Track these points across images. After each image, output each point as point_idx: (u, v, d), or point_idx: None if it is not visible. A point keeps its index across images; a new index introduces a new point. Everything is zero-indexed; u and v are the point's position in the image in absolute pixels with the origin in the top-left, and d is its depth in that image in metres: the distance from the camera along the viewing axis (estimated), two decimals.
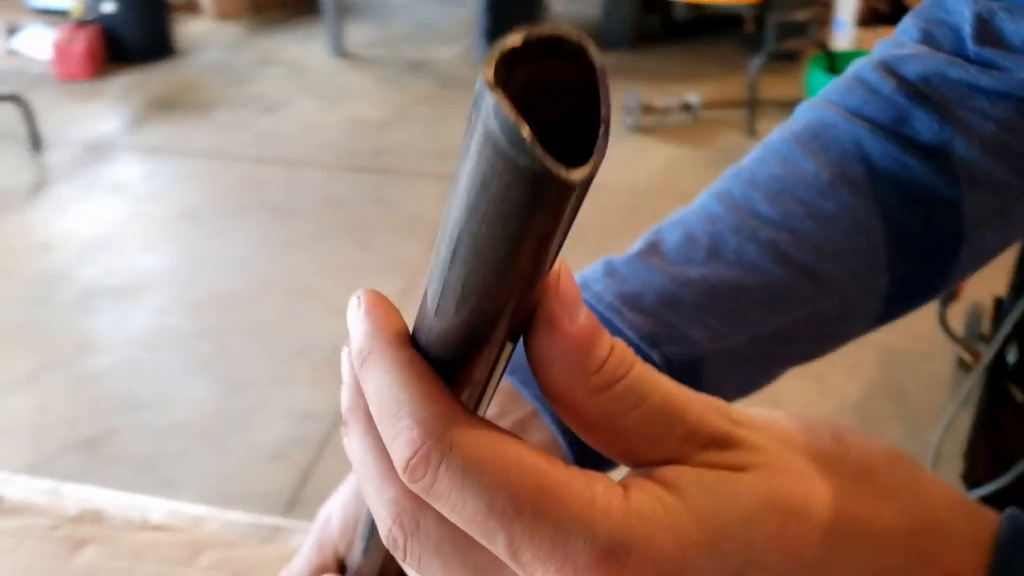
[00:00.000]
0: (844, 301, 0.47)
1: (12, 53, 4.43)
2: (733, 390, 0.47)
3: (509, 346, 0.25)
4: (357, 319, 0.26)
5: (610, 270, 0.46)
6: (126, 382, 2.42)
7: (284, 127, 3.79)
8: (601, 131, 0.19)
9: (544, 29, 0.19)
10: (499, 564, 0.24)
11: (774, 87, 3.88)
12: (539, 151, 0.18)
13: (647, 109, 3.64)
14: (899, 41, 0.50)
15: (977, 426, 1.93)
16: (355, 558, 0.38)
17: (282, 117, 3.87)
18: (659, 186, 3.33)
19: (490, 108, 0.18)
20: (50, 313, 2.69)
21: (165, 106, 3.99)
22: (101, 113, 3.94)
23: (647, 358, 0.44)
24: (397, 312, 0.27)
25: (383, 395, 0.24)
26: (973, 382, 1.79)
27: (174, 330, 2.61)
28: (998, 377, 1.86)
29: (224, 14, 4.90)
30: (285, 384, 2.41)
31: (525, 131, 0.18)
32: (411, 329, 0.26)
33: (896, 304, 0.49)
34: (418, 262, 2.87)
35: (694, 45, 4.46)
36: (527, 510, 0.22)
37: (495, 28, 4.19)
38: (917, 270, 0.48)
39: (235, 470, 2.15)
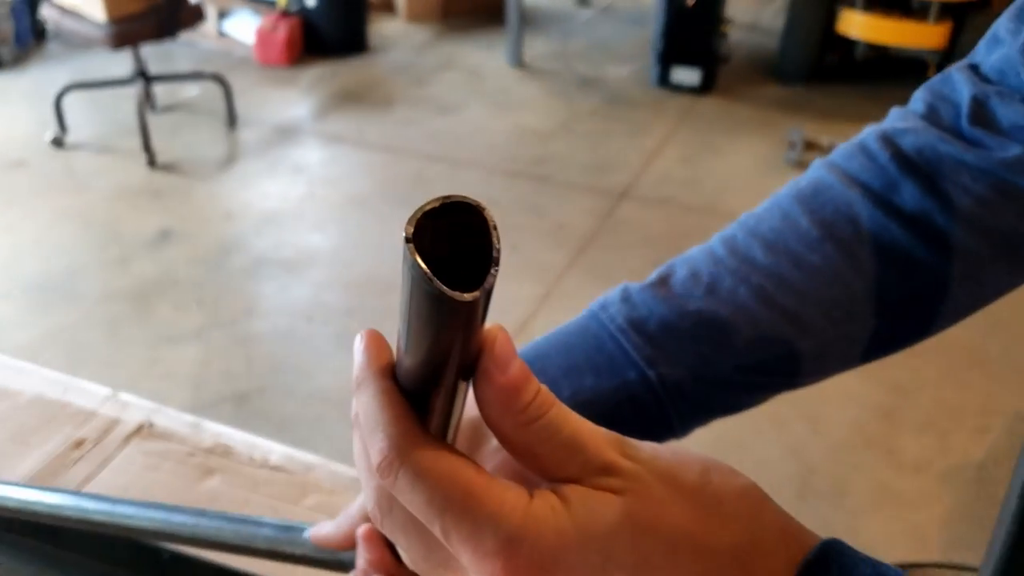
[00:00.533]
0: (821, 344, 0.53)
1: (222, 35, 4.85)
2: (719, 409, 0.55)
3: (463, 385, 0.33)
4: (357, 351, 0.34)
5: (625, 296, 0.55)
6: (280, 347, 2.65)
7: (455, 129, 3.99)
8: (491, 269, 0.28)
9: (455, 197, 0.28)
10: (441, 544, 0.32)
11: None
12: (436, 284, 0.26)
13: (810, 146, 3.61)
14: (906, 113, 0.56)
15: None
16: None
17: (454, 119, 4.08)
18: None
19: (407, 254, 0.27)
20: (224, 276, 2.97)
21: (350, 98, 4.28)
22: (293, 99, 4.27)
23: (644, 375, 0.52)
24: (388, 349, 0.34)
25: (367, 413, 0.33)
26: None
27: (329, 305, 2.83)
28: None
29: (415, 17, 5.18)
30: None
31: (427, 271, 0.26)
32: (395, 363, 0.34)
33: (872, 351, 0.55)
34: (560, 269, 2.98)
35: (872, 87, 4.37)
36: (455, 507, 0.30)
37: (669, 52, 4.25)
38: (891, 323, 0.54)
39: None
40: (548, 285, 2.91)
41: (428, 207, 0.28)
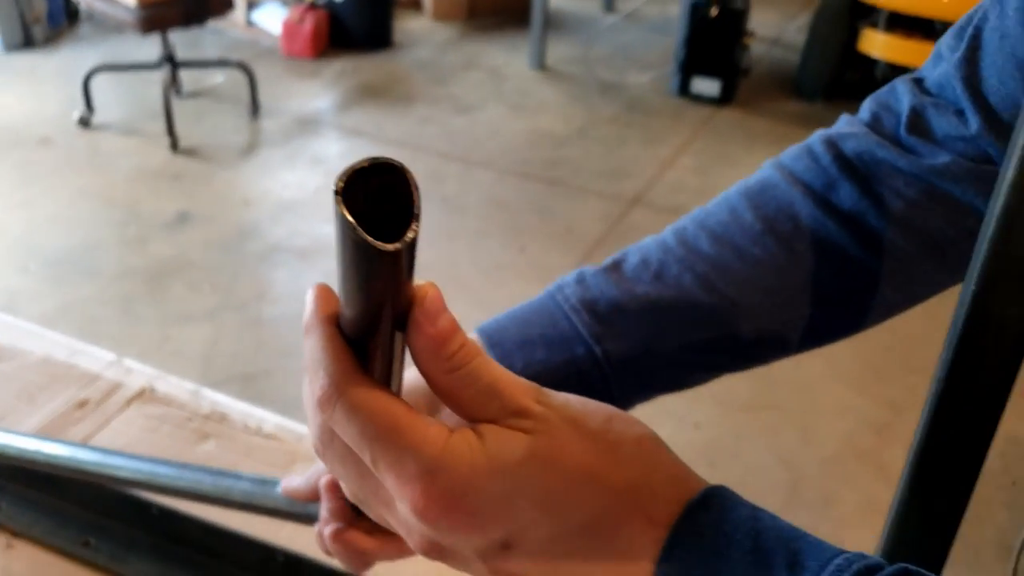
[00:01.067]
0: (758, 329, 0.57)
1: (250, 25, 4.93)
2: (661, 386, 0.59)
3: (399, 336, 0.37)
4: (307, 302, 0.38)
5: (580, 278, 0.60)
6: (288, 332, 2.71)
7: (472, 128, 4.04)
8: (412, 224, 0.31)
9: (381, 158, 0.31)
10: (371, 473, 0.36)
11: None
12: (360, 233, 0.29)
13: None
14: (853, 120, 0.60)
15: None
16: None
17: (472, 119, 4.13)
18: None
19: (336, 207, 0.30)
20: (238, 261, 3.03)
21: (372, 93, 4.34)
22: (316, 91, 4.34)
23: (591, 351, 0.57)
24: (335, 301, 0.37)
25: (312, 355, 0.37)
26: None
27: None
28: None
29: (441, 15, 5.23)
30: None
31: (352, 222, 0.29)
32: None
33: (807, 339, 0.59)
34: (567, 271, 3.01)
35: None
36: (383, 437, 0.35)
37: (690, 62, 4.28)
38: (825, 314, 0.58)
39: None
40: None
41: (357, 166, 0.31)
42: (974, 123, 0.53)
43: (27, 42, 4.62)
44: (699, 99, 4.33)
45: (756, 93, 4.52)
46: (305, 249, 3.11)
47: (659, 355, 0.57)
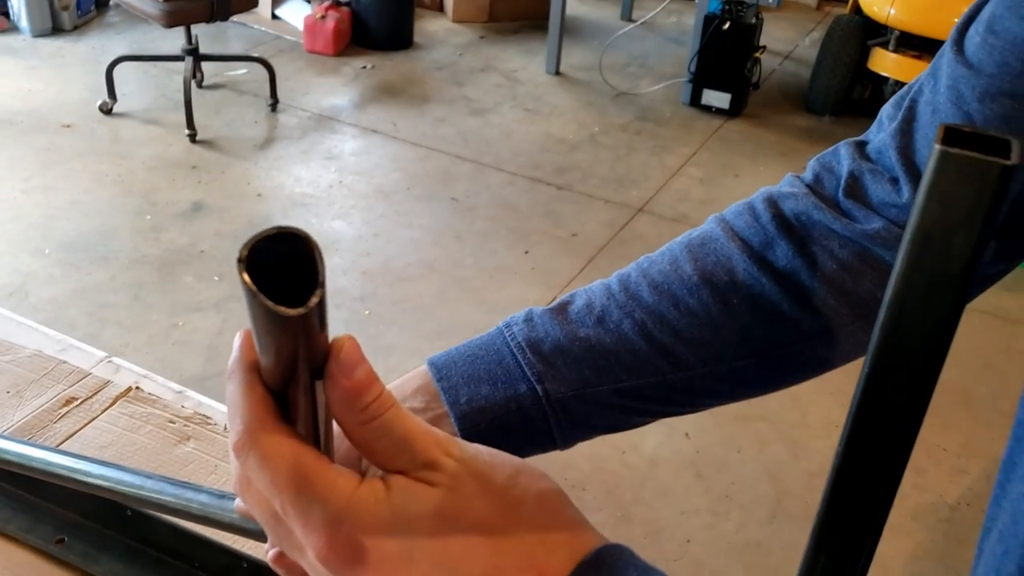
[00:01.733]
0: (689, 378, 0.59)
1: (275, 19, 5.00)
2: (601, 427, 0.61)
3: (318, 384, 0.37)
4: (233, 347, 0.38)
5: (528, 317, 0.61)
6: None
7: (485, 131, 4.10)
8: (316, 290, 0.32)
9: (287, 228, 0.32)
10: (283, 519, 0.37)
11: None
12: (261, 299, 0.30)
13: None
14: (795, 179, 0.63)
15: None
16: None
17: (487, 121, 4.19)
18: None
19: (240, 273, 0.31)
20: None
21: (389, 92, 4.41)
22: (334, 88, 4.41)
23: (533, 390, 0.58)
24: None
25: (231, 401, 0.37)
26: None
27: (343, 290, 2.96)
28: None
29: (462, 18, 5.30)
30: (422, 357, 2.66)
31: (252, 288, 0.30)
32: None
33: (738, 390, 0.61)
34: (569, 275, 3.09)
35: None
36: (290, 487, 0.36)
37: (702, 73, 4.33)
38: (755, 367, 0.60)
39: None
40: (557, 290, 3.01)
41: (263, 235, 0.32)
42: (906, 192, 0.55)
43: (55, 28, 4.72)
44: (709, 110, 4.38)
45: (765, 106, 4.55)
46: None
47: (596, 397, 0.60)
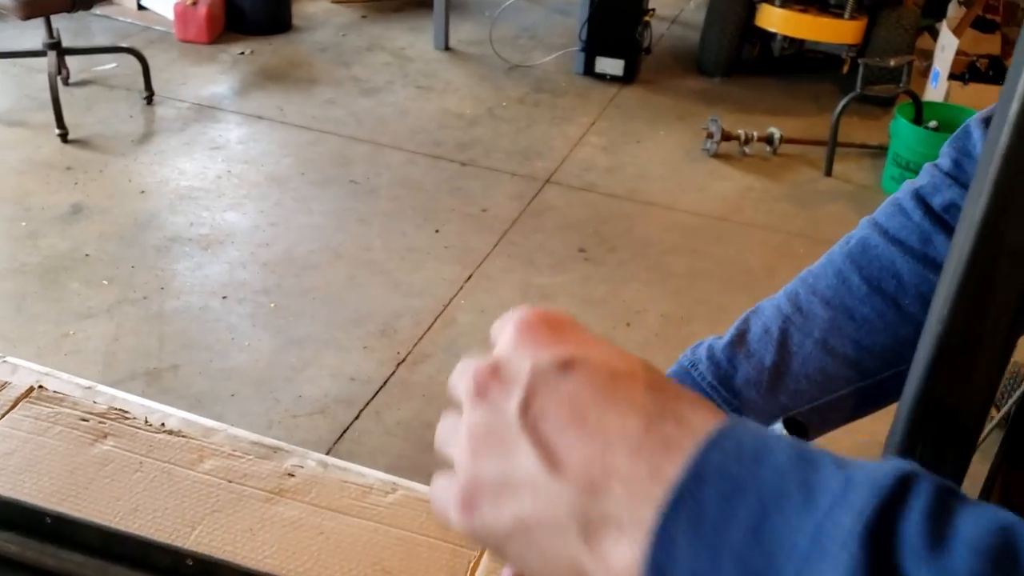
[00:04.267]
0: (879, 383, 0.62)
1: (141, 9, 4.73)
2: None
3: None
4: None
5: (711, 355, 0.64)
6: (194, 325, 2.61)
7: (379, 110, 3.96)
8: None
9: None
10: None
11: (860, 131, 3.89)
12: None
13: (728, 136, 3.69)
14: (935, 169, 0.64)
15: (988, 486, 1.95)
16: None
17: (379, 100, 4.05)
18: (725, 211, 3.38)
19: None
20: (137, 253, 2.90)
21: (272, 78, 4.21)
22: (213, 76, 4.19)
23: None
24: None
25: None
26: (987, 439, 1.82)
27: (245, 284, 2.79)
28: (1014, 437, 1.88)
29: None
30: (338, 347, 2.56)
31: None
32: None
33: None
34: (484, 251, 3.00)
35: (788, 80, 4.48)
36: None
37: (593, 42, 4.29)
38: None
39: (279, 417, 2.31)
40: (471, 267, 2.92)
41: None
42: None
43: None
44: (603, 78, 4.34)
45: (659, 71, 4.55)
46: (207, 239, 3.00)
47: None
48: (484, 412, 0.36)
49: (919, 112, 3.50)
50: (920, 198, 0.62)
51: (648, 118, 4.06)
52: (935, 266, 0.60)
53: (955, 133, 0.64)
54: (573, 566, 0.33)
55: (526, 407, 0.34)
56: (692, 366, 0.64)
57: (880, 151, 3.69)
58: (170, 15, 4.52)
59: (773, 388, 0.62)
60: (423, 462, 2.05)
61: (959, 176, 0.61)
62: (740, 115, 3.99)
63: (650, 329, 2.72)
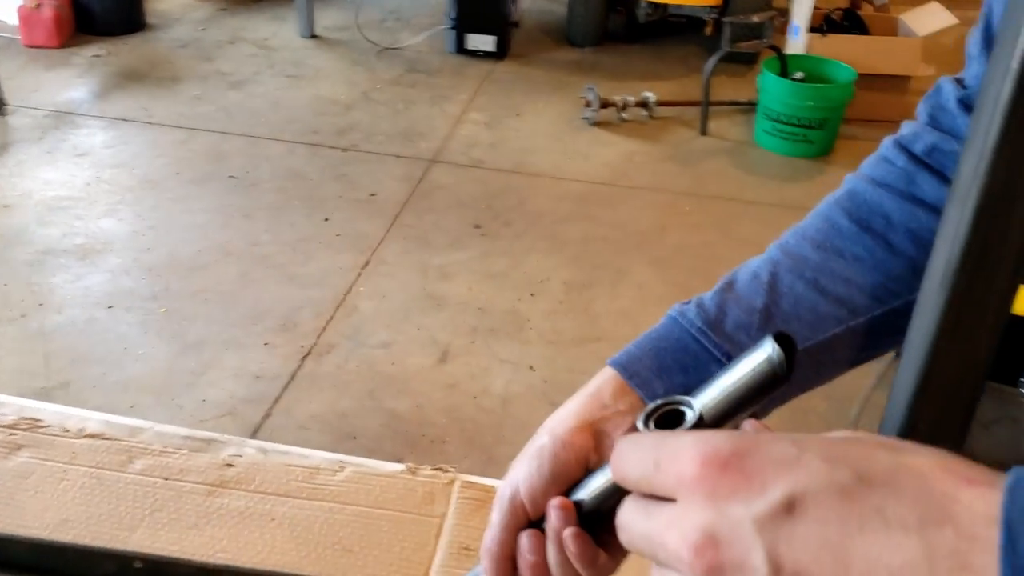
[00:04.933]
0: (870, 322, 0.62)
1: None
2: (796, 389, 0.61)
3: None
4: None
5: (699, 303, 0.62)
6: (81, 339, 2.47)
7: (250, 102, 3.83)
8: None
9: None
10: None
11: (729, 88, 4.00)
12: None
13: (605, 104, 3.73)
14: (914, 123, 0.67)
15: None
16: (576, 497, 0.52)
17: (248, 93, 3.92)
18: (612, 177, 3.42)
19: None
20: (7, 271, 2.72)
21: (132, 78, 4.02)
22: (68, 81, 3.96)
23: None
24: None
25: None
26: (887, 364, 1.90)
27: (131, 292, 2.66)
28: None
29: None
30: (238, 347, 2.47)
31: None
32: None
33: None
34: (378, 236, 2.94)
35: (656, 46, 4.56)
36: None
37: (463, 19, 4.26)
38: None
39: (185, 425, 2.20)
40: (367, 253, 2.86)
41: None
42: None
43: None
44: (476, 55, 4.32)
45: (530, 45, 4.56)
46: (83, 249, 2.84)
47: None
48: None
49: (784, 65, 3.63)
50: (902, 146, 0.65)
51: (525, 91, 4.07)
52: (922, 204, 0.62)
53: (928, 92, 0.67)
54: None
55: (777, 571, 0.31)
56: (680, 315, 0.62)
57: (750, 106, 3.80)
58: (13, 20, 4.25)
59: (764, 330, 0.61)
60: (344, 451, 2.00)
61: (936, 125, 0.65)
62: (614, 83, 4.04)
63: (554, 297, 2.72)
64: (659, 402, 0.41)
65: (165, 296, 2.65)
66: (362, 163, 3.41)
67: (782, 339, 0.39)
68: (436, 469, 1.02)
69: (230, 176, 3.27)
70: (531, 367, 2.43)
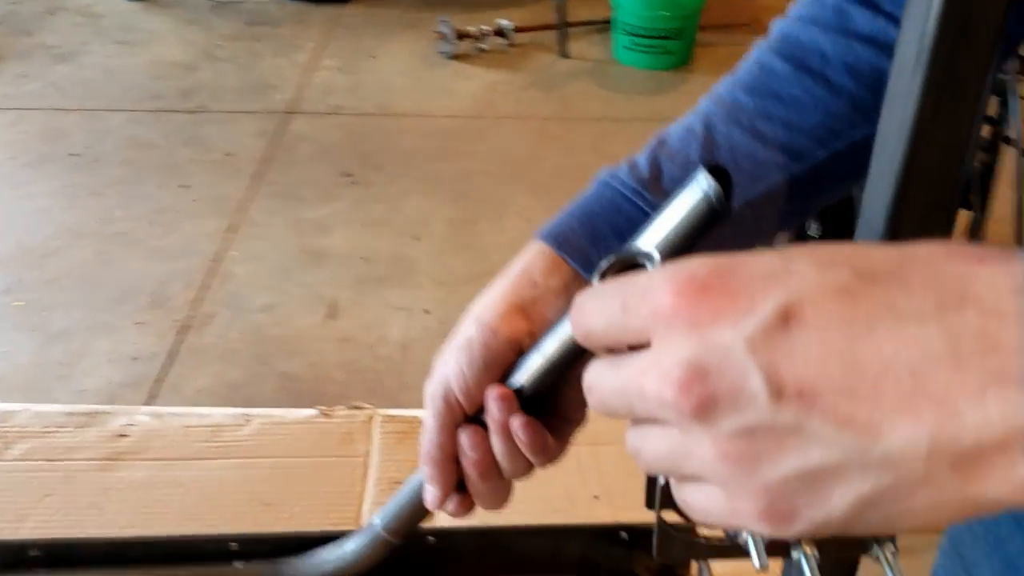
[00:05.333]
0: (815, 167, 0.57)
1: None
2: (739, 247, 0.54)
3: None
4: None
5: (631, 163, 0.57)
6: None
7: (81, 74, 3.55)
8: None
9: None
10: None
11: (583, 8, 3.95)
12: None
13: (462, 35, 3.63)
14: None
15: None
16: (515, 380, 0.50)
17: (78, 64, 3.63)
18: (478, 109, 3.34)
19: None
20: None
21: None
22: None
23: None
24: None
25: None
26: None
27: None
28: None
29: None
30: (109, 330, 2.30)
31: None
32: None
33: (865, 165, 0.57)
34: (240, 197, 2.78)
35: None
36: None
37: None
38: (874, 130, 0.56)
39: None
40: (231, 216, 2.70)
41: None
42: None
43: None
44: (319, 1, 4.14)
45: None
46: None
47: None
48: (729, 425, 0.28)
49: None
50: None
51: (377, 32, 3.92)
52: (858, 37, 0.58)
53: None
54: (954, 505, 0.27)
55: (779, 393, 0.27)
56: (612, 177, 0.57)
57: (607, 24, 3.77)
58: None
59: None
60: None
61: None
62: (467, 14, 3.93)
63: (440, 238, 2.65)
64: (612, 257, 0.37)
65: (19, 288, 2.44)
66: (213, 124, 3.22)
67: (714, 169, 0.36)
68: (353, 408, 0.95)
69: (70, 154, 3.03)
70: (426, 310, 2.36)
